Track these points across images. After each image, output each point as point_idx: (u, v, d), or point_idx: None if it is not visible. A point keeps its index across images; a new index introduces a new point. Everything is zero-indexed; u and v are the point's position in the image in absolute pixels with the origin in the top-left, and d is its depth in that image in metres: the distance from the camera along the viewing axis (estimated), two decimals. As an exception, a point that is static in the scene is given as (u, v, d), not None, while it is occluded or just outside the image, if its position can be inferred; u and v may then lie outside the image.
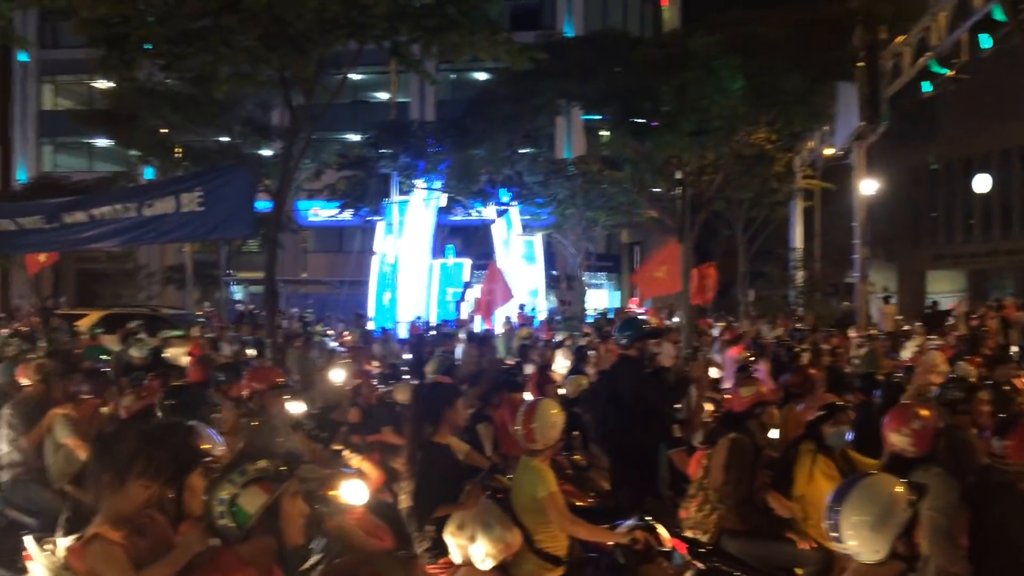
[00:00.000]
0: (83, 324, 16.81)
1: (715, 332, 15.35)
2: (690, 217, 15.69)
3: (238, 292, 33.78)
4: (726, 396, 8.74)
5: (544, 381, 9.06)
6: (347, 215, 26.21)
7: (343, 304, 28.16)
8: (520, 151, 22.82)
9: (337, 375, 9.25)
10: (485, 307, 15.08)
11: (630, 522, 4.82)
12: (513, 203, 23.84)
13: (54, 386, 7.25)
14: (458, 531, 4.44)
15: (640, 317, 12.53)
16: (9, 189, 33.42)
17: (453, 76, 31.28)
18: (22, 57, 34.67)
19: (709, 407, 8.24)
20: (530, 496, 4.69)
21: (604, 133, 18.90)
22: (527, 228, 26.28)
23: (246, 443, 5.40)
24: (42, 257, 17.12)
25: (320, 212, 31.51)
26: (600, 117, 17.55)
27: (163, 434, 3.37)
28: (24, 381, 7.67)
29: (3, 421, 6.89)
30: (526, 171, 23.39)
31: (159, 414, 5.52)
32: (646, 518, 4.87)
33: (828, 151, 20.25)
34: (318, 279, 33.60)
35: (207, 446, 3.85)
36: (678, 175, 15.52)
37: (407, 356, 15.10)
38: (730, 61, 14.24)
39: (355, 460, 6.36)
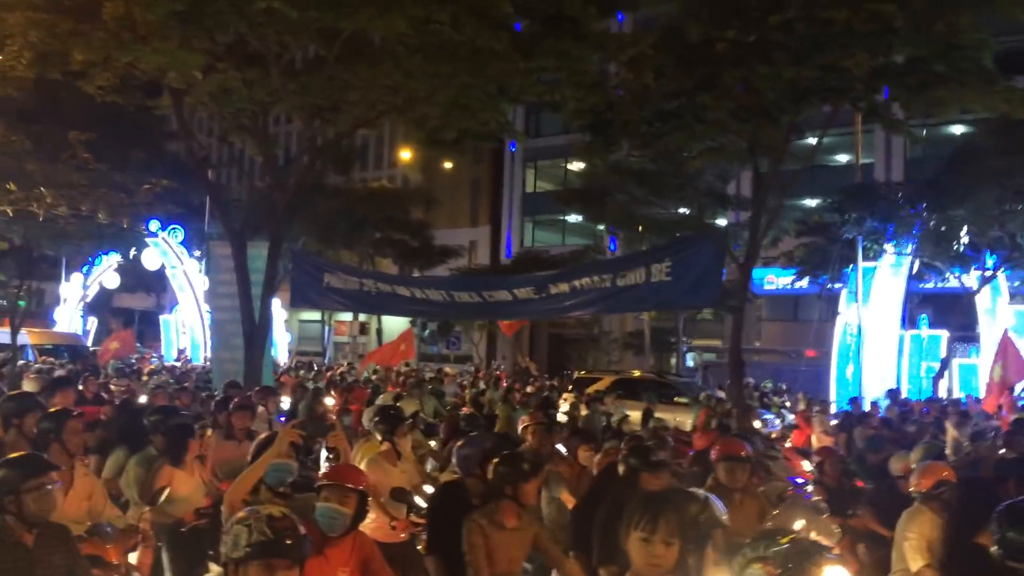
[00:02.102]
0: (596, 388, 18.28)
1: None
2: None
3: (691, 359, 34.44)
4: None
5: None
6: (805, 283, 25.35)
7: (800, 375, 27.12)
8: (1011, 209, 20.16)
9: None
10: (997, 386, 13.21)
11: None
12: (1000, 268, 21.05)
13: (544, 441, 7.97)
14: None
15: None
16: (498, 263, 38.17)
17: (924, 132, 28.92)
18: (511, 147, 39.75)
19: None
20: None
21: None
22: (1018, 296, 23.00)
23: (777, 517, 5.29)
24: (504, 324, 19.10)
25: (775, 280, 30.98)
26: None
27: (690, 503, 3.41)
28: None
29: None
30: (1019, 231, 20.56)
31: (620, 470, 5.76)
32: None
33: None
34: (772, 348, 32.93)
35: (720, 515, 3.84)
36: None
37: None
38: None
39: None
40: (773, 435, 12.42)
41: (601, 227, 32.29)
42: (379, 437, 7.15)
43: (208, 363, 22.80)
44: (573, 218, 37.38)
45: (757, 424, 12.25)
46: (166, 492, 5.45)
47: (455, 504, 5.34)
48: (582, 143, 14.11)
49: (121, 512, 5.42)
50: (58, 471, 4.24)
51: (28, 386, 10.15)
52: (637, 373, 21.03)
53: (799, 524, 4.88)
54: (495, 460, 5.00)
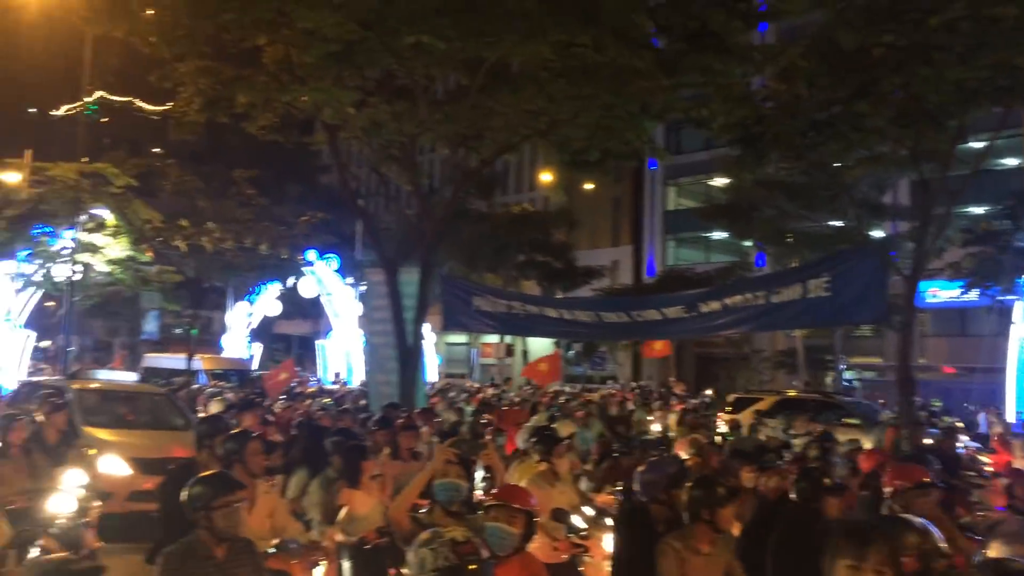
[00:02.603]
0: (760, 407, 17.76)
1: None
2: None
3: (849, 377, 32.90)
4: None
5: None
6: (974, 295, 23.75)
7: (972, 393, 25.42)
8: None
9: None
10: None
11: None
12: None
13: (708, 459, 7.83)
14: None
15: None
16: (641, 283, 37.81)
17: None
18: (652, 165, 39.45)
19: None
20: None
21: None
22: None
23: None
24: (657, 346, 18.87)
25: (939, 293, 29.19)
26: None
27: (907, 531, 3.23)
28: (683, 455, 8.41)
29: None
30: None
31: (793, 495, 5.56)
32: None
33: None
34: (937, 365, 31.02)
35: (942, 545, 3.62)
36: None
37: None
38: None
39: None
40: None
41: (748, 243, 31.43)
42: (536, 457, 7.22)
43: (363, 386, 23.63)
44: (717, 235, 36.60)
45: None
46: (344, 512, 5.67)
47: (640, 530, 5.27)
48: (728, 158, 13.81)
49: (303, 529, 5.68)
50: (244, 489, 4.50)
51: (214, 408, 10.86)
52: (793, 392, 20.31)
53: (998, 551, 4.58)
54: (690, 483, 4.91)
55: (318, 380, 30.35)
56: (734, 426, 13.71)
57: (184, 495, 4.21)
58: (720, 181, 32.67)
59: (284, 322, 43.37)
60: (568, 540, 6.42)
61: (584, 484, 9.68)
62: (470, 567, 2.91)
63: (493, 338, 38.75)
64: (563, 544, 6.36)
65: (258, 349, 37.12)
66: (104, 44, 24.18)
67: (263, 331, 39.37)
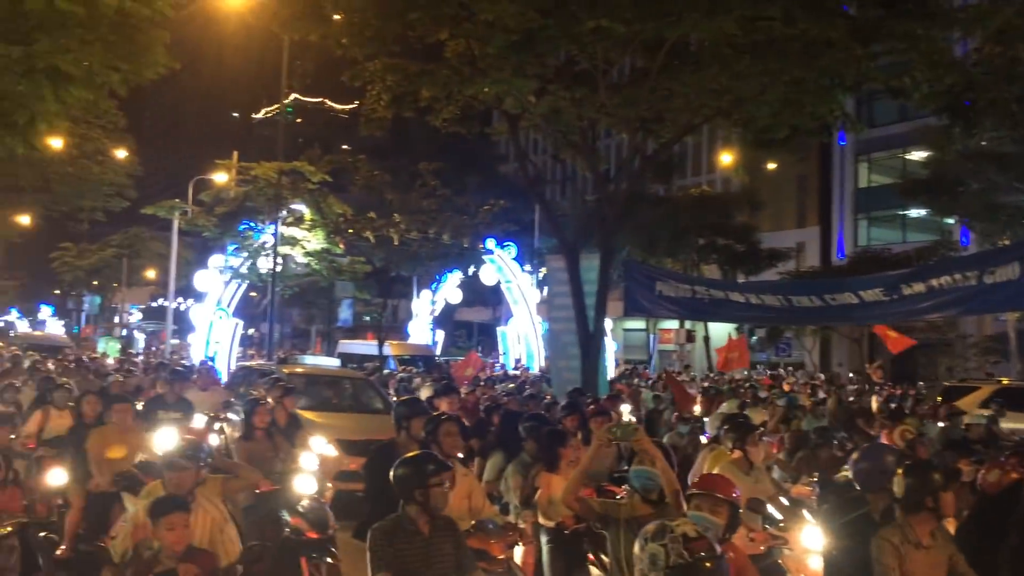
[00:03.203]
0: (975, 398, 16.56)
1: None
2: None
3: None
4: None
5: None
6: None
7: None
8: None
9: None
10: None
11: None
12: None
13: (917, 450, 7.35)
14: None
15: None
16: (830, 265, 35.97)
17: None
18: (841, 141, 37.38)
19: None
20: None
21: None
22: None
23: None
24: (892, 333, 18.03)
25: None
26: None
27: None
28: (888, 442, 7.93)
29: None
30: None
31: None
32: None
33: None
34: None
35: None
36: None
37: None
38: None
39: None
40: None
41: (950, 220, 29.16)
42: (729, 445, 7.02)
43: (543, 372, 23.92)
44: (915, 213, 34.21)
45: None
46: (540, 495, 5.75)
47: (854, 521, 4.98)
48: (931, 129, 12.82)
49: (499, 511, 5.80)
50: (451, 469, 4.64)
51: (424, 393, 11.31)
52: (1006, 380, 18.70)
53: None
54: (900, 469, 4.59)
55: (502, 366, 31.02)
56: (950, 415, 12.81)
57: (395, 474, 4.36)
58: (918, 154, 30.46)
59: (465, 309, 44.64)
60: (766, 531, 6.22)
61: (776, 474, 9.35)
62: (706, 564, 2.70)
63: (672, 324, 38.13)
64: (760, 535, 6.16)
65: (441, 336, 38.41)
66: (296, 48, 25.65)
67: (445, 318, 40.71)
